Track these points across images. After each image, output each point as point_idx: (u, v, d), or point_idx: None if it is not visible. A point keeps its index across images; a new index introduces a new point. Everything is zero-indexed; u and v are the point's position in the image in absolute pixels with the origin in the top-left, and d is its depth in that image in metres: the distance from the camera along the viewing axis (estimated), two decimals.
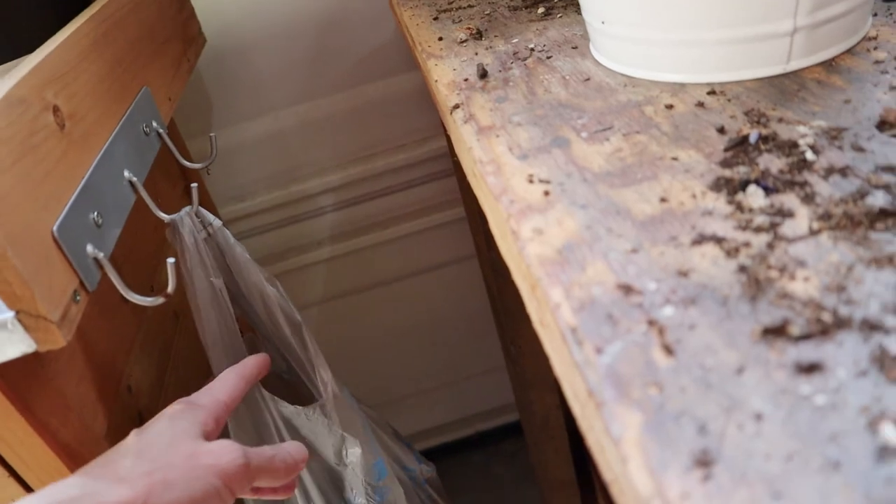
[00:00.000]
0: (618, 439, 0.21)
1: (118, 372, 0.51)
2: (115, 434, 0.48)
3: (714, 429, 0.20)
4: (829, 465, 0.18)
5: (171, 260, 0.39)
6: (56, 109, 0.39)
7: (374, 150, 0.93)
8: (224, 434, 0.50)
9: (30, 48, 0.57)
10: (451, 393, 1.16)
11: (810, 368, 0.21)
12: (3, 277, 0.32)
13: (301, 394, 0.52)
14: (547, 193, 0.32)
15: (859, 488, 0.18)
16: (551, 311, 0.26)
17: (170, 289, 0.39)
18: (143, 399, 0.54)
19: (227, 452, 0.39)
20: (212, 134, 0.57)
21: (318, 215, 0.97)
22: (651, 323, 0.24)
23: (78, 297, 0.37)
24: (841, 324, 0.22)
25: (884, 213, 0.26)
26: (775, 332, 0.22)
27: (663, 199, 0.29)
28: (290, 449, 0.44)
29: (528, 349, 0.78)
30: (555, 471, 0.90)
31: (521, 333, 0.77)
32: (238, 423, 0.48)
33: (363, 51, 0.90)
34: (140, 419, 0.53)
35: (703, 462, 0.19)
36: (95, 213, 0.40)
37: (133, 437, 0.39)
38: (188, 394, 0.59)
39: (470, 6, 0.57)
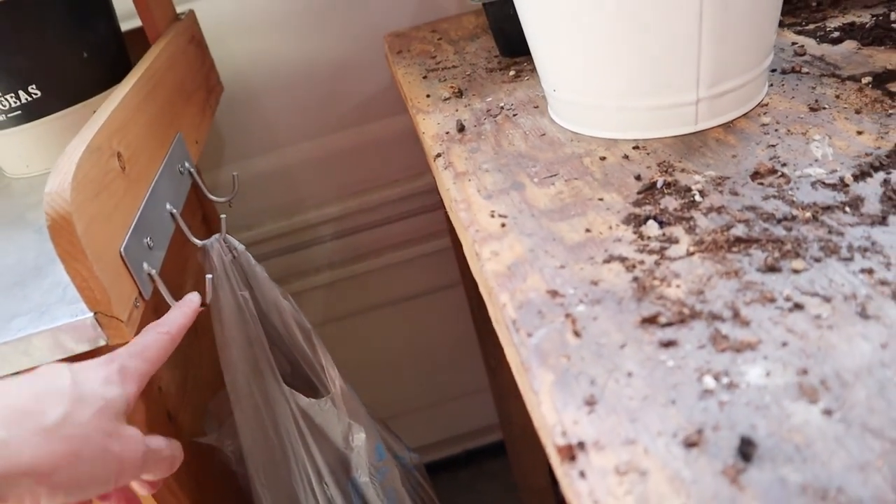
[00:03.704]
0: (537, 391, 0.31)
1: (154, 376, 0.61)
2: (151, 426, 0.58)
3: (600, 382, 0.30)
4: (669, 401, 0.29)
5: (209, 276, 0.50)
6: (119, 155, 0.50)
7: (370, 184, 1.04)
8: (246, 423, 0.60)
9: (76, 100, 0.69)
10: (438, 413, 1.26)
11: (668, 344, 0.31)
12: (88, 286, 0.42)
13: (305, 391, 0.62)
14: (503, 225, 0.42)
15: (685, 415, 0.28)
16: (500, 309, 0.36)
17: (208, 300, 0.49)
18: (171, 399, 0.64)
19: (133, 445, 0.39)
20: (234, 173, 0.67)
21: (318, 244, 1.08)
22: (567, 316, 0.34)
23: (137, 304, 0.47)
24: (694, 315, 0.33)
25: (738, 241, 0.36)
26: (650, 320, 0.33)
27: (587, 230, 0.40)
28: (174, 448, 0.44)
29: (505, 362, 0.88)
30: (532, 478, 1.00)
31: (499, 347, 0.87)
32: (258, 413, 0.58)
33: (361, 95, 1.01)
34: (169, 417, 0.62)
35: (590, 402, 0.30)
36: (148, 238, 0.50)
37: (68, 380, 0.38)
38: (207, 397, 0.69)
39: (454, 66, 0.69)
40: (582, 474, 0.27)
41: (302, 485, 0.59)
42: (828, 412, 0.27)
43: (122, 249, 0.46)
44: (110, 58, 0.71)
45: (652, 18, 0.43)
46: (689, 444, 0.27)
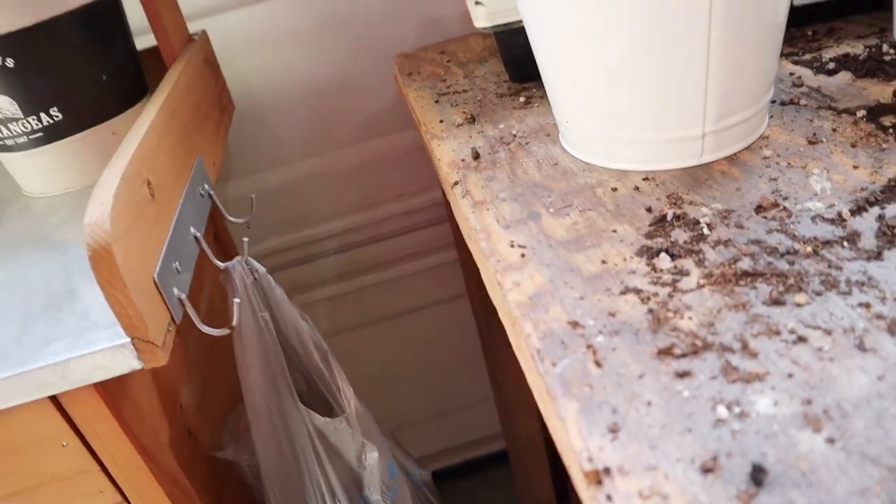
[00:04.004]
0: (563, 418, 0.34)
1: (174, 392, 0.64)
2: (174, 442, 0.61)
3: (621, 411, 0.33)
4: (685, 430, 0.32)
5: (236, 300, 0.53)
6: (149, 183, 0.53)
7: (375, 199, 1.07)
8: (263, 440, 0.63)
9: (94, 122, 0.71)
10: (440, 423, 1.29)
11: (683, 374, 0.34)
12: (127, 313, 0.45)
13: (320, 410, 0.64)
14: (523, 255, 0.45)
15: (701, 442, 0.31)
16: (524, 338, 0.39)
17: (234, 322, 0.52)
18: (191, 416, 0.67)
19: None
20: (252, 196, 0.70)
21: (323, 257, 1.11)
22: (588, 346, 0.37)
23: (170, 328, 0.49)
24: (706, 347, 0.36)
25: (745, 274, 0.40)
26: (665, 352, 0.36)
27: (603, 262, 0.43)
28: None
29: (512, 378, 0.91)
30: (538, 491, 1.02)
31: (506, 364, 0.90)
32: (275, 430, 0.61)
33: (367, 112, 1.04)
34: (189, 434, 0.65)
35: (613, 430, 0.32)
36: (177, 263, 0.53)
37: None
38: (223, 413, 0.72)
39: (465, 91, 0.72)
40: (609, 497, 0.30)
41: (315, 501, 0.61)
42: (830, 440, 0.30)
43: (155, 276, 0.49)
44: (127, 80, 0.74)
45: (661, 57, 0.47)
46: (706, 470, 0.30)
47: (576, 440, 0.33)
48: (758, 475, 0.29)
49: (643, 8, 0.45)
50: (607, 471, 0.31)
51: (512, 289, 0.43)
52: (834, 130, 0.52)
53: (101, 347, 0.46)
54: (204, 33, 0.85)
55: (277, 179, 1.04)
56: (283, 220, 1.06)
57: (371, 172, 1.06)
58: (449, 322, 1.16)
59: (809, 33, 0.69)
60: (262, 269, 0.60)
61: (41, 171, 0.71)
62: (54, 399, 0.50)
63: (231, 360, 0.66)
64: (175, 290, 0.51)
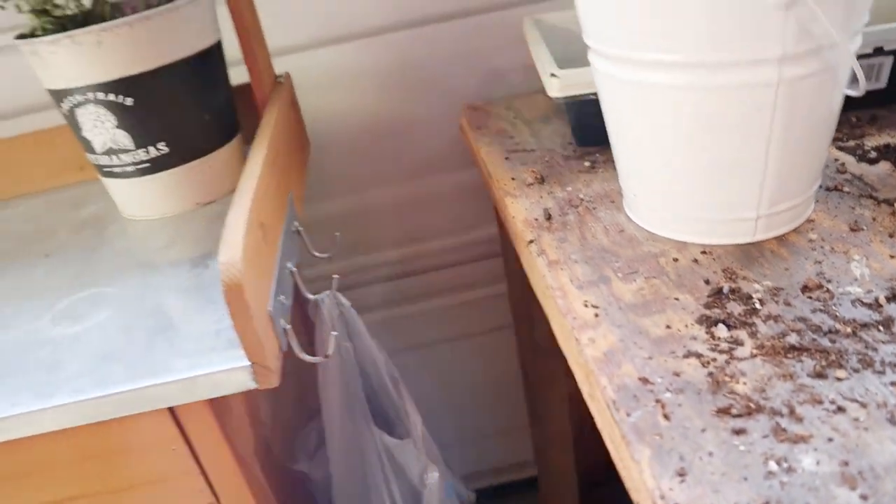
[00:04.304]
0: (637, 461, 0.41)
1: (258, 408, 0.72)
2: (258, 453, 0.68)
3: (687, 459, 0.41)
4: (742, 478, 0.39)
5: (334, 333, 0.61)
6: (262, 224, 0.61)
7: (427, 232, 1.16)
8: (337, 457, 0.71)
9: (194, 157, 0.80)
10: (473, 447, 1.36)
11: (739, 431, 0.42)
12: (251, 341, 0.53)
13: (389, 432, 0.72)
14: (596, 315, 0.53)
15: (755, 490, 0.38)
16: (600, 390, 0.47)
17: (329, 352, 0.60)
18: (269, 430, 0.75)
19: None
20: (337, 233, 0.78)
21: (372, 284, 1.19)
22: (657, 401, 0.45)
23: (278, 357, 0.57)
24: (759, 409, 0.43)
25: (792, 348, 0.47)
26: (723, 411, 0.43)
27: (668, 326, 0.51)
28: None
29: (552, 413, 0.98)
30: None
31: (547, 400, 0.98)
32: (349, 448, 0.68)
33: (425, 150, 1.13)
34: (268, 446, 0.73)
35: (681, 474, 0.40)
36: (283, 296, 0.61)
37: None
38: (290, 429, 0.80)
39: (532, 150, 0.80)
40: None
41: None
42: (864, 497, 0.37)
43: (269, 308, 0.57)
44: (224, 119, 0.83)
45: (726, 148, 0.55)
46: None
47: (649, 480, 0.40)
48: None
49: (713, 104, 0.53)
50: None
51: (588, 344, 0.50)
52: (874, 219, 0.60)
53: (224, 368, 0.54)
54: (288, 76, 0.94)
55: (335, 209, 1.12)
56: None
57: (424, 207, 1.14)
58: (490, 352, 1.24)
59: (853, 119, 0.77)
60: (346, 303, 0.68)
61: (143, 197, 0.80)
62: (171, 409, 0.58)
63: (296, 380, 0.74)
64: (282, 321, 0.59)
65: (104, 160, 0.77)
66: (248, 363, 0.54)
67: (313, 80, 1.05)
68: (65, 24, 0.77)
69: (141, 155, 0.76)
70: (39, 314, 0.68)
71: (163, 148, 0.77)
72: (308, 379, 0.80)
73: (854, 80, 0.53)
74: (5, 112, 1.02)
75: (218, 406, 0.59)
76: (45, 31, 0.75)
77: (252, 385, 0.55)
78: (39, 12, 0.76)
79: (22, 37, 0.75)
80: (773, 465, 0.40)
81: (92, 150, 0.77)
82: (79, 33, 0.69)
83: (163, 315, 0.63)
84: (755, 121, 0.52)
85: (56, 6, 0.77)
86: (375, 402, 0.73)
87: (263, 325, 0.55)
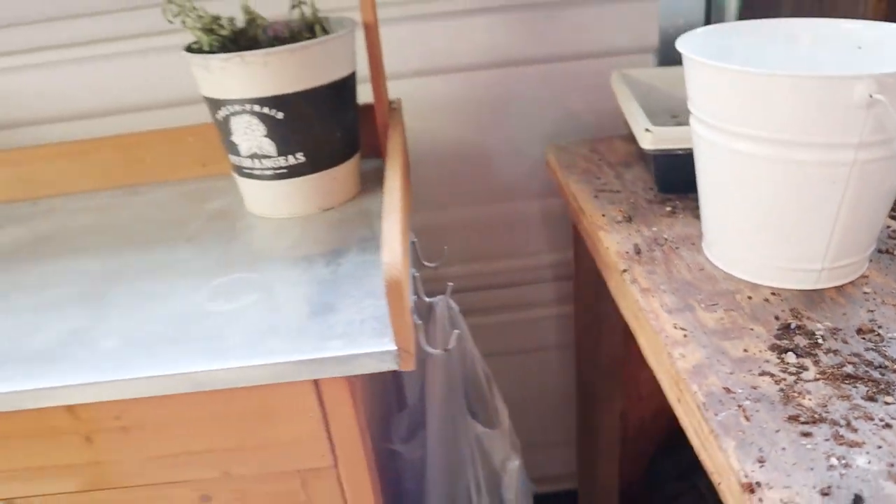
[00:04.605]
0: (725, 450, 0.54)
1: (365, 389, 0.85)
2: (363, 430, 0.81)
3: (765, 451, 0.53)
4: (809, 469, 0.52)
5: (457, 330, 0.74)
6: (402, 231, 0.74)
7: (496, 252, 1.29)
8: (434, 441, 0.83)
9: (325, 167, 0.93)
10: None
11: (806, 434, 0.54)
12: (401, 330, 0.66)
13: (480, 422, 0.85)
14: (685, 336, 0.66)
15: (819, 477, 0.51)
16: (691, 395, 0.60)
17: (450, 346, 0.73)
18: (364, 414, 0.87)
19: None
20: (445, 247, 0.92)
21: (438, 293, 1.32)
22: (739, 406, 0.57)
23: (414, 345, 0.70)
24: (822, 420, 0.56)
25: (849, 376, 0.60)
26: (793, 418, 0.56)
27: (745, 350, 0.63)
28: None
29: (604, 427, 1.11)
30: None
31: (601, 413, 1.10)
32: (444, 435, 0.81)
33: (502, 178, 1.26)
34: (370, 426, 0.85)
35: (761, 461, 0.53)
36: (415, 296, 0.74)
37: None
38: (377, 415, 0.92)
39: (617, 192, 0.93)
40: (760, 500, 0.50)
41: (466, 493, 0.81)
42: None
43: (412, 305, 0.70)
44: (351, 136, 0.96)
45: (802, 210, 0.67)
46: (824, 493, 0.50)
47: (735, 464, 0.53)
48: (857, 501, 0.49)
49: (796, 176, 0.66)
50: (758, 484, 0.51)
51: (679, 358, 0.63)
52: None
53: (374, 350, 0.67)
54: (399, 100, 1.08)
55: (415, 221, 1.26)
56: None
57: (497, 229, 1.28)
58: (544, 369, 1.37)
59: None
60: (455, 307, 0.81)
61: (276, 198, 0.93)
62: (315, 381, 0.71)
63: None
64: (415, 316, 0.72)
65: (247, 163, 0.91)
66: (395, 348, 0.67)
67: (411, 104, 1.19)
68: (223, 41, 0.91)
69: (281, 162, 0.90)
70: (194, 291, 0.81)
71: (300, 157, 0.90)
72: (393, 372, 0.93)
73: None
74: (137, 105, 1.17)
75: (352, 382, 0.72)
76: (211, 47, 0.90)
77: (394, 367, 0.68)
78: (207, 31, 0.90)
79: (190, 50, 0.89)
80: (833, 461, 0.52)
81: (237, 153, 0.91)
82: (249, 55, 0.83)
83: (308, 302, 0.76)
84: (830, 192, 0.66)
85: (221, 26, 0.91)
86: (470, 394, 0.86)
87: (407, 318, 0.68)
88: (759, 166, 0.67)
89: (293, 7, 0.96)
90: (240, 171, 0.93)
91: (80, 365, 0.71)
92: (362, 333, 0.70)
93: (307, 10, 0.96)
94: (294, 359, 0.67)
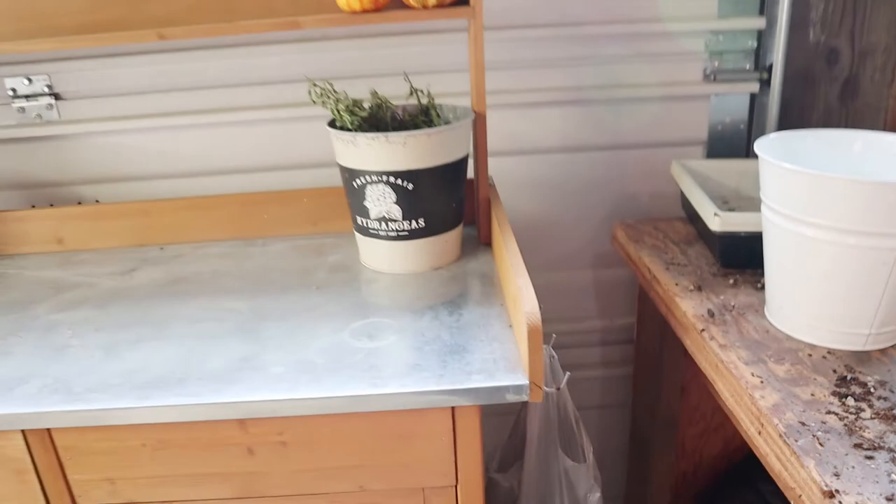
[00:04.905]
0: (807, 467, 0.71)
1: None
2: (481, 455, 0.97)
3: (839, 468, 0.71)
4: (874, 482, 0.69)
5: (567, 373, 0.91)
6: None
7: (558, 315, 1.47)
8: (529, 472, 0.99)
9: (438, 233, 1.12)
10: None
11: (869, 458, 0.72)
12: (535, 367, 0.83)
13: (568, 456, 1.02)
14: (761, 382, 0.83)
15: (883, 488, 0.68)
16: (773, 427, 0.77)
17: (562, 385, 0.90)
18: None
19: None
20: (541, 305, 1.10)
21: None
22: (813, 436, 0.75)
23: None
24: (880, 448, 0.73)
25: None
26: (858, 445, 0.73)
27: (812, 395, 0.81)
28: None
29: (657, 476, 1.27)
30: None
31: (654, 465, 1.26)
32: (539, 467, 0.97)
33: (566, 248, 1.46)
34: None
35: (836, 474, 0.70)
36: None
37: None
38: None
39: (685, 265, 1.12)
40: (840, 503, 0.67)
41: None
42: None
43: (549, 346, 0.87)
44: (461, 206, 1.15)
45: (853, 287, 0.86)
46: (888, 499, 0.67)
47: (816, 477, 0.70)
48: None
49: (850, 257, 0.85)
50: (837, 491, 0.68)
51: (759, 399, 0.81)
52: None
53: (510, 383, 0.84)
54: (491, 177, 1.27)
55: None
56: None
57: (560, 294, 1.46)
58: (596, 425, 1.53)
59: None
60: (555, 355, 0.98)
61: (394, 256, 1.12)
62: (452, 409, 0.88)
63: None
64: (546, 349, 0.89)
65: (374, 224, 1.09)
66: (527, 381, 0.84)
67: (494, 179, 1.38)
68: (359, 122, 1.11)
69: (405, 225, 1.08)
70: (337, 331, 0.98)
71: (421, 223, 1.09)
72: None
73: None
74: (253, 167, 1.37)
75: (480, 412, 0.89)
76: (352, 125, 1.09)
77: (525, 398, 0.85)
78: (350, 112, 1.10)
79: (332, 126, 1.09)
80: (893, 477, 0.69)
81: (366, 216, 1.09)
82: (393, 136, 1.02)
83: (443, 343, 0.93)
84: (877, 272, 0.84)
85: (361, 108, 1.11)
86: (561, 431, 1.02)
87: (541, 358, 0.85)
88: (820, 248, 0.86)
89: (410, 94, 1.16)
90: (365, 231, 1.12)
91: (255, 385, 0.87)
92: (497, 370, 0.87)
93: (423, 98, 1.16)
94: (444, 387, 0.84)
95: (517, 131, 1.38)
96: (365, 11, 1.08)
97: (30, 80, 1.39)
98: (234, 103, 1.37)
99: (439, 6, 1.08)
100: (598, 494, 1.01)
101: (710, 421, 1.30)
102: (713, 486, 1.35)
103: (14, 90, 1.39)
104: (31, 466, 0.92)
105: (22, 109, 1.40)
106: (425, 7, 1.08)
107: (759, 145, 0.92)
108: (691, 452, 1.29)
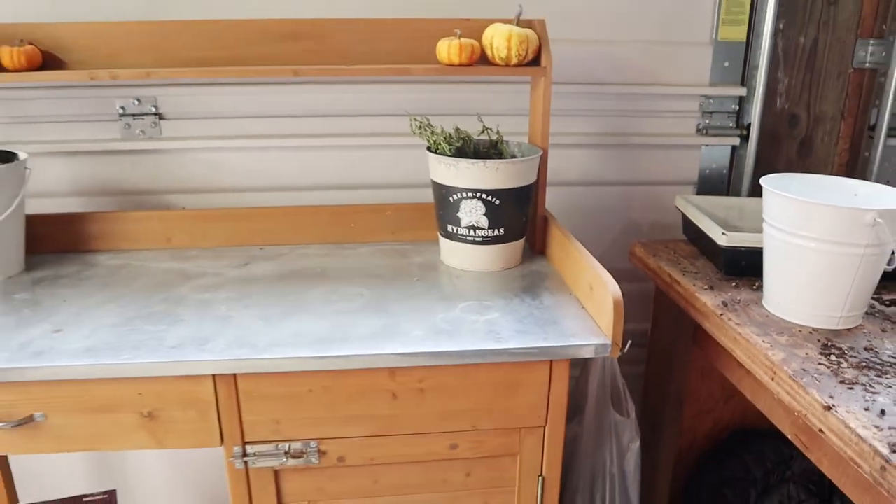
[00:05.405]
0: (810, 392, 1.10)
1: None
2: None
3: (833, 393, 1.10)
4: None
5: (629, 341, 1.28)
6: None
7: None
8: (590, 426, 1.35)
9: (509, 241, 1.48)
10: None
11: (850, 388, 1.11)
12: (617, 330, 1.19)
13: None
14: (770, 346, 1.22)
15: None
16: (783, 371, 1.16)
17: (625, 349, 1.26)
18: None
19: None
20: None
21: None
22: (812, 376, 1.14)
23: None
24: (857, 383, 1.13)
25: (865, 367, 1.18)
26: (842, 382, 1.13)
27: (806, 354, 1.21)
28: None
29: (665, 447, 1.65)
30: None
31: (662, 438, 1.64)
32: (596, 418, 1.33)
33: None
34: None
35: (831, 396, 1.09)
36: None
37: None
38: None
39: (696, 272, 1.51)
40: (836, 413, 1.06)
41: (603, 461, 1.32)
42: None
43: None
44: (527, 220, 1.51)
45: (830, 282, 1.27)
46: (865, 409, 1.06)
47: (817, 398, 1.09)
48: (882, 413, 1.05)
49: (829, 260, 1.25)
50: (832, 406, 1.07)
51: (772, 356, 1.20)
52: (892, 329, 1.33)
53: (599, 342, 1.20)
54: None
55: None
56: None
57: None
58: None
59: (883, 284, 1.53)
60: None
61: (474, 257, 1.46)
62: (550, 362, 1.23)
63: None
64: None
65: (463, 231, 1.44)
66: (609, 341, 1.20)
67: None
68: (451, 149, 1.47)
69: (489, 233, 1.44)
70: (448, 310, 1.31)
71: (501, 232, 1.44)
72: None
73: (891, 260, 1.27)
74: (338, 185, 1.70)
75: (570, 367, 1.24)
76: (448, 151, 1.45)
77: (607, 353, 1.21)
78: (447, 142, 1.45)
79: (435, 152, 1.44)
80: (868, 396, 1.09)
81: (457, 224, 1.44)
82: (490, 162, 1.38)
83: (536, 318, 1.28)
84: (848, 270, 1.25)
85: (454, 139, 1.47)
86: (612, 392, 1.37)
87: (621, 325, 1.22)
88: (806, 254, 1.27)
89: (482, 131, 1.53)
90: (453, 236, 1.47)
91: (404, 343, 1.20)
92: (586, 335, 1.23)
93: (493, 135, 1.53)
94: (552, 344, 1.20)
95: (549, 166, 1.76)
96: (461, 65, 1.45)
97: (138, 100, 1.68)
98: (312, 131, 1.70)
99: (518, 65, 1.46)
100: (637, 444, 1.36)
101: (703, 405, 1.70)
102: (703, 459, 1.74)
103: (123, 108, 1.68)
104: (214, 407, 1.21)
105: (128, 126, 1.69)
106: (507, 65, 1.46)
107: (765, 181, 1.33)
108: (688, 430, 1.68)
